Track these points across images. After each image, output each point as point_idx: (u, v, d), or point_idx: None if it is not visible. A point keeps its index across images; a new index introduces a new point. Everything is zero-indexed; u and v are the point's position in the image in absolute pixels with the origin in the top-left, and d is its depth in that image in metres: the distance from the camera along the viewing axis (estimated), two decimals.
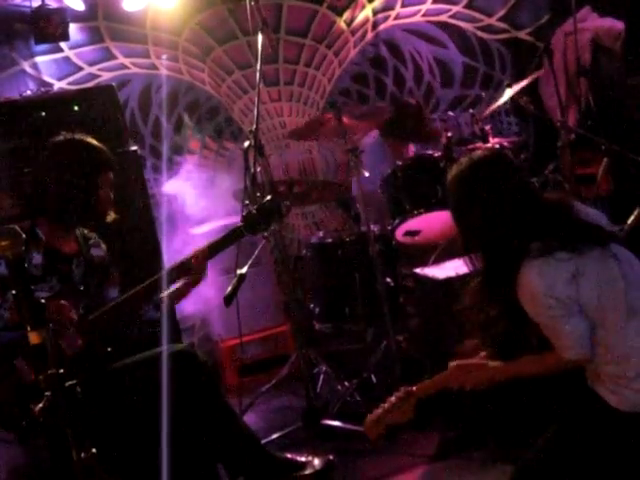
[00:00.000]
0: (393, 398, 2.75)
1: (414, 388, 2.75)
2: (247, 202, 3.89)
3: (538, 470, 2.47)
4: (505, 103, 5.26)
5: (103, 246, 3.57)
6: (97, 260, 3.50)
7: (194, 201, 5.62)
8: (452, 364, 2.73)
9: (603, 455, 2.44)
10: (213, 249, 3.42)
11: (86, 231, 3.53)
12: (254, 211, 3.44)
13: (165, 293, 3.37)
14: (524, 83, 5.04)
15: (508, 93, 4.94)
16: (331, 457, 3.61)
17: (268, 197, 3.55)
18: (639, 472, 2.43)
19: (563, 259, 2.43)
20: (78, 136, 3.44)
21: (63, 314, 3.09)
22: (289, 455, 3.59)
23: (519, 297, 2.49)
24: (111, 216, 3.48)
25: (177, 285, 3.41)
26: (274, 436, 4.05)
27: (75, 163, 3.34)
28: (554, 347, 2.49)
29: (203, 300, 5.59)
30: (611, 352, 2.45)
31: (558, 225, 2.53)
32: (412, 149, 5.56)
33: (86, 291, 3.38)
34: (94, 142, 3.44)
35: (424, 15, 6.40)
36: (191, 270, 3.36)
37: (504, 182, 2.58)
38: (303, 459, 3.56)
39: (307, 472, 3.50)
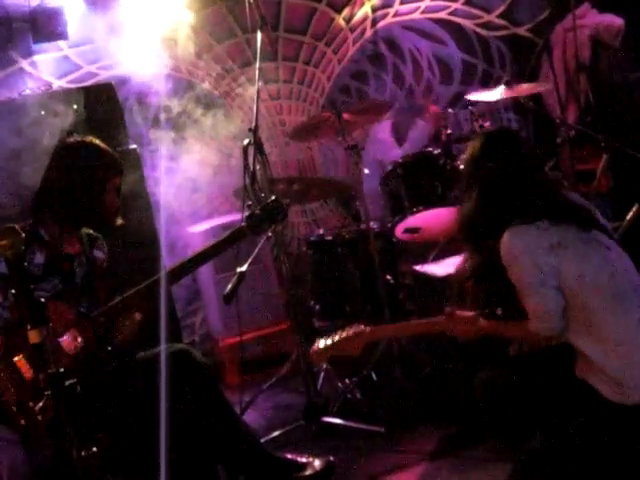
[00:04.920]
0: (346, 332, 2.86)
1: (368, 328, 2.86)
2: (250, 202, 3.89)
3: (537, 466, 2.48)
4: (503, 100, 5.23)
5: (105, 249, 3.58)
6: (98, 262, 3.51)
7: (194, 199, 5.62)
8: (448, 311, 2.82)
9: (600, 449, 2.44)
10: (216, 249, 3.41)
11: (91, 231, 3.53)
12: (258, 211, 3.44)
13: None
14: (529, 89, 4.98)
15: (501, 90, 4.88)
16: (332, 458, 3.60)
17: (272, 197, 3.54)
18: (637, 465, 2.43)
19: (544, 227, 2.54)
20: (88, 139, 3.44)
21: (62, 316, 3.09)
22: (289, 455, 3.58)
23: (502, 260, 2.58)
24: (119, 221, 3.49)
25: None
26: (275, 434, 4.06)
27: (85, 166, 3.34)
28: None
29: (203, 298, 5.61)
30: (597, 339, 2.46)
31: (545, 198, 2.64)
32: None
33: (88, 290, 3.38)
34: (103, 146, 3.44)
35: (423, 12, 6.40)
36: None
37: (511, 154, 2.73)
38: (303, 460, 3.55)
39: (307, 473, 3.49)
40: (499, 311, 2.79)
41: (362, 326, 2.87)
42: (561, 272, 2.49)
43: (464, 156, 2.88)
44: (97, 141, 3.45)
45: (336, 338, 2.85)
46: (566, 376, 2.58)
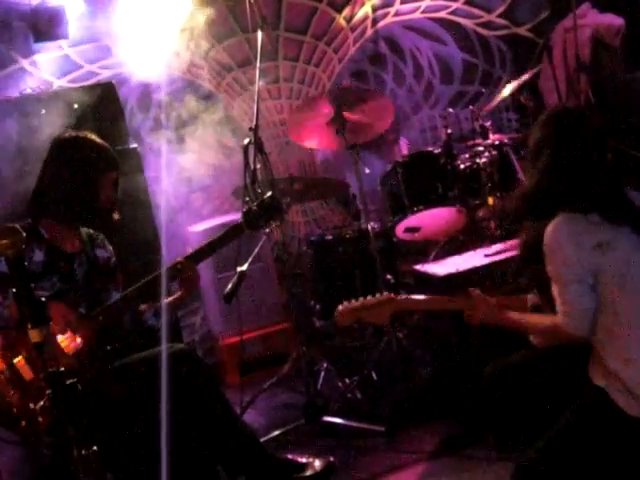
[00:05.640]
0: (374, 297, 2.77)
1: (400, 296, 2.79)
2: (247, 199, 3.88)
3: (540, 468, 2.45)
4: (505, 99, 5.25)
5: (109, 247, 3.57)
6: (101, 261, 3.50)
7: (194, 198, 5.63)
8: (475, 292, 2.74)
9: (608, 458, 2.40)
10: (213, 246, 3.41)
11: (92, 231, 3.53)
12: (254, 207, 3.44)
13: (164, 301, 3.36)
14: (524, 78, 5.02)
15: (508, 88, 4.93)
16: (331, 458, 3.60)
17: (268, 193, 3.55)
18: None
19: (595, 222, 2.44)
20: (83, 134, 3.44)
21: (61, 315, 3.09)
22: (289, 456, 3.58)
23: (544, 246, 2.49)
24: (115, 216, 3.48)
25: (173, 297, 3.41)
26: (275, 433, 4.05)
27: (79, 161, 3.33)
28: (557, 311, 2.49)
29: (203, 298, 5.61)
30: (621, 347, 2.42)
31: (606, 191, 2.54)
32: (404, 143, 5.58)
33: (88, 290, 3.38)
34: (99, 141, 3.43)
35: (424, 12, 6.40)
36: (183, 272, 3.33)
37: (585, 135, 2.61)
38: (303, 460, 3.54)
39: (307, 474, 3.48)
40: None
41: (391, 294, 2.78)
42: (602, 273, 2.42)
43: (535, 129, 2.70)
44: (92, 136, 3.44)
45: (366, 302, 2.75)
46: (581, 378, 2.55)
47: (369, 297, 2.78)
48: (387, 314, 2.77)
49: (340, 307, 2.78)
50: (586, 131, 2.62)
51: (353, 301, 2.77)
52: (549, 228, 2.49)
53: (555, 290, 2.49)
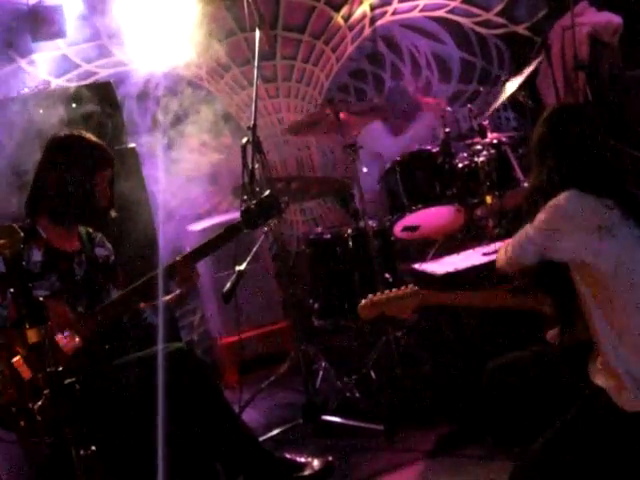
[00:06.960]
0: (398, 290, 2.76)
1: (424, 290, 2.77)
2: (245, 197, 3.88)
3: (539, 467, 2.45)
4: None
5: (108, 246, 3.57)
6: (101, 260, 3.50)
7: (192, 197, 5.62)
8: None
9: (607, 457, 2.40)
10: (211, 245, 3.41)
11: (91, 230, 3.53)
12: (252, 206, 3.44)
13: (164, 298, 3.37)
14: (523, 75, 5.00)
15: (509, 88, 4.92)
16: (330, 458, 3.60)
17: (266, 192, 3.55)
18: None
19: (606, 205, 2.44)
20: (77, 132, 3.44)
21: (60, 315, 3.09)
22: (288, 455, 3.58)
23: (550, 204, 2.51)
24: (112, 214, 3.48)
25: (172, 295, 3.41)
26: (274, 432, 4.06)
27: (73, 160, 3.34)
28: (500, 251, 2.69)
29: (202, 297, 5.60)
30: (619, 341, 2.41)
31: (617, 183, 2.55)
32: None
33: (88, 289, 3.37)
34: (93, 138, 3.44)
35: (422, 10, 6.40)
36: (180, 271, 3.33)
37: (584, 131, 2.63)
38: (302, 460, 3.54)
39: (306, 473, 3.48)
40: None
41: (416, 287, 2.76)
42: (599, 256, 2.41)
43: (537, 127, 2.70)
44: (86, 134, 3.44)
45: (390, 295, 2.74)
46: (581, 378, 2.54)
47: (393, 290, 2.77)
48: (411, 308, 2.75)
49: (363, 301, 2.78)
50: (585, 127, 2.62)
51: (376, 294, 2.77)
52: (560, 196, 2.49)
53: (517, 236, 2.60)
